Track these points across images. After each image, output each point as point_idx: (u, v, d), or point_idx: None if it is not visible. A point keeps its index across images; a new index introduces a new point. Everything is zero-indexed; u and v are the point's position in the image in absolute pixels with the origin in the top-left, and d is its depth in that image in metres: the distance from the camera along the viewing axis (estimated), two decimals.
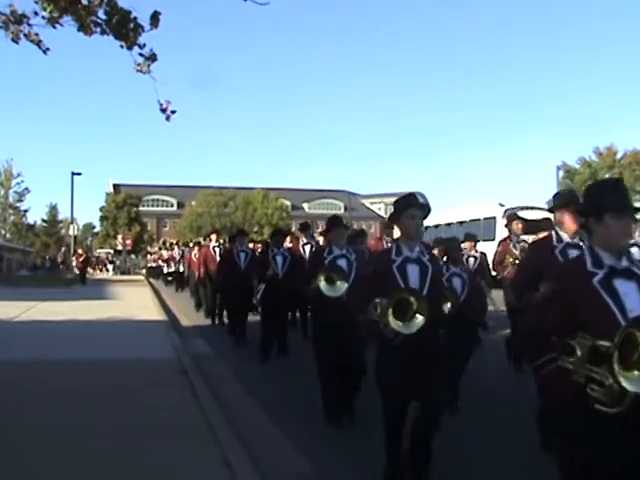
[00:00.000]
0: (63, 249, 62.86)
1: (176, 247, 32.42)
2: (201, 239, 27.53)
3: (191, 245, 27.01)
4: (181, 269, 29.06)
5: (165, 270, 35.10)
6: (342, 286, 6.84)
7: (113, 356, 10.68)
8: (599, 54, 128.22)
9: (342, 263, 7.17)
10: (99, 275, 55.98)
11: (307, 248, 14.19)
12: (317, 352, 7.37)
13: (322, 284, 6.85)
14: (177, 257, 30.33)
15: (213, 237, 17.90)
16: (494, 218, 27.73)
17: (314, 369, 8.07)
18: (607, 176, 73.11)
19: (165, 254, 36.59)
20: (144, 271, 53.82)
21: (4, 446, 5.97)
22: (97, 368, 9.71)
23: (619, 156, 73.70)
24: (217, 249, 17.04)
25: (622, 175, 71.75)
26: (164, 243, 42.95)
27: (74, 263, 43.69)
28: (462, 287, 7.90)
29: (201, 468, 5.34)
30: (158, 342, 12.38)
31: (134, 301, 22.99)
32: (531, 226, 10.01)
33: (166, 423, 6.71)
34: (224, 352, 12.16)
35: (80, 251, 42.75)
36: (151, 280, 41.49)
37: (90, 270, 55.92)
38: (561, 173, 60.58)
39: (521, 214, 28.11)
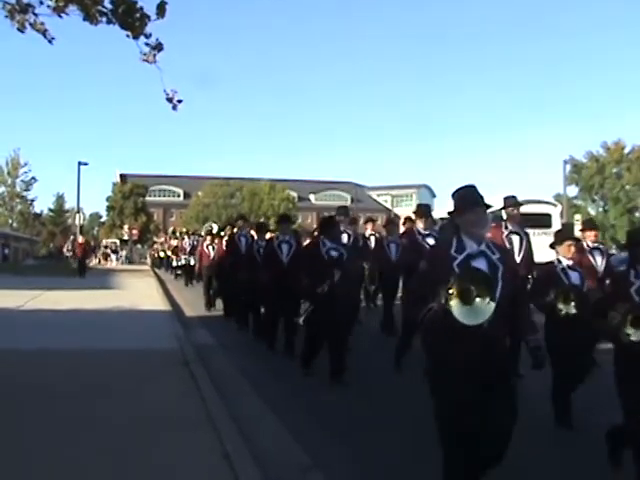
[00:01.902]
0: (72, 237, 62.74)
1: (186, 237, 30.31)
2: (214, 227, 25.13)
3: (202, 234, 26.04)
4: (192, 262, 26.18)
5: (174, 263, 32.43)
6: (487, 306, 4.16)
7: (116, 346, 10.68)
8: (609, 47, 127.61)
9: (481, 266, 4.41)
10: (106, 265, 55.92)
11: (344, 237, 11.35)
12: (447, 428, 4.40)
13: (454, 303, 4.12)
14: (187, 248, 28.01)
15: (241, 225, 15.22)
16: (500, 212, 27.50)
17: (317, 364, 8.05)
18: (614, 171, 73.37)
19: (174, 243, 34.31)
20: (149, 261, 53.77)
21: (6, 434, 5.98)
22: (99, 358, 9.71)
23: (627, 151, 73.55)
24: (243, 239, 14.39)
25: (630, 170, 71.82)
26: (173, 232, 40.89)
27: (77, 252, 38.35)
28: (581, 282, 6.99)
29: (200, 460, 5.33)
30: (161, 332, 12.36)
31: (139, 291, 23.01)
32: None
33: (167, 414, 6.70)
34: (227, 343, 12.15)
35: (80, 239, 37.87)
36: (156, 270, 41.40)
37: (94, 260, 55.87)
38: (568, 167, 60.41)
39: (527, 208, 28.23)
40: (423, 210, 10.83)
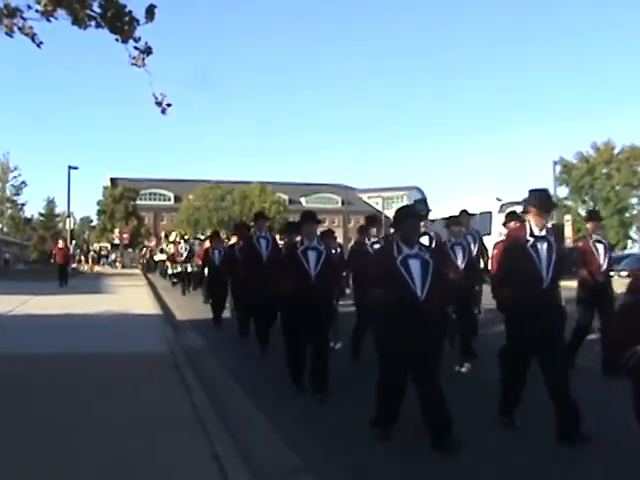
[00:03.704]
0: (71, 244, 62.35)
1: (182, 241, 28.65)
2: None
3: (202, 238, 24.71)
4: (189, 269, 25.23)
5: (170, 270, 29.98)
6: None
7: (106, 350, 10.66)
8: (599, 48, 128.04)
9: None
10: (97, 269, 55.72)
11: (425, 241, 9.14)
12: None
13: None
14: (184, 253, 26.29)
15: (262, 225, 12.29)
16: (490, 213, 27.63)
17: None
18: (604, 171, 73.58)
19: (171, 249, 31.44)
20: (139, 265, 53.76)
21: (4, 436, 5.98)
22: (89, 362, 9.70)
23: (616, 151, 73.77)
24: (264, 241, 11.79)
25: (619, 170, 72.05)
26: (166, 236, 38.44)
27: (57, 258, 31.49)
28: None
29: (190, 462, 5.34)
30: (152, 336, 12.37)
31: (129, 295, 22.98)
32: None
33: (156, 417, 6.71)
34: (217, 346, 12.15)
35: (60, 244, 32.24)
36: (148, 275, 41.30)
37: (84, 265, 55.54)
38: (558, 168, 60.59)
39: (517, 209, 28.32)
40: (544, 197, 6.72)
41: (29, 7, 9.16)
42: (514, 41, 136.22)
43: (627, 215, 73.12)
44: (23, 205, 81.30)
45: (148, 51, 9.55)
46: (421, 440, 5.96)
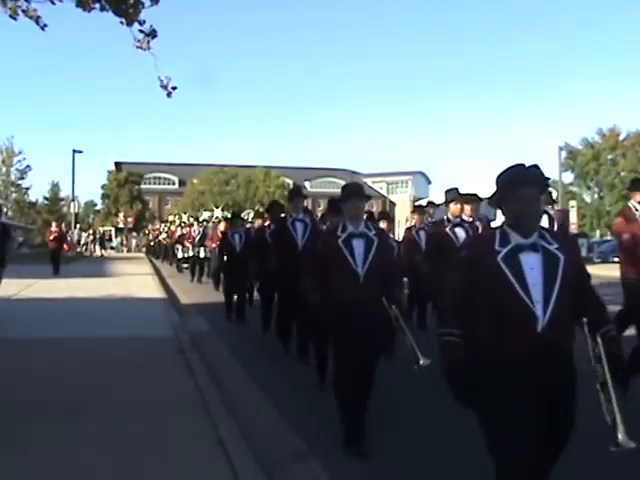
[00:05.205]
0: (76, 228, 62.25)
1: (195, 223, 27.14)
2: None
3: (215, 220, 23.80)
4: (202, 254, 23.39)
5: (179, 254, 27.96)
6: None
7: (111, 334, 10.67)
8: (604, 33, 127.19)
9: None
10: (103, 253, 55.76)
11: (544, 221, 8.16)
12: None
13: None
14: (196, 237, 24.52)
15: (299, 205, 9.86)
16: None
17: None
18: (610, 157, 73.54)
19: (179, 232, 29.55)
20: (135, 247, 53.88)
21: (5, 425, 5.98)
22: (94, 346, 9.69)
23: (622, 137, 73.67)
24: (300, 225, 9.40)
25: (625, 156, 71.96)
26: (176, 217, 36.58)
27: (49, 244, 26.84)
28: None
29: (195, 446, 5.34)
30: (156, 320, 12.38)
31: (134, 279, 23.01)
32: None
33: (161, 401, 6.72)
34: (223, 330, 12.17)
35: (53, 227, 27.64)
36: (153, 259, 41.35)
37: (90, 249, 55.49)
38: (564, 154, 60.43)
39: None
40: None
41: None
42: (518, 24, 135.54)
43: None
44: (28, 189, 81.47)
45: (153, 34, 9.53)
46: (427, 426, 5.94)
